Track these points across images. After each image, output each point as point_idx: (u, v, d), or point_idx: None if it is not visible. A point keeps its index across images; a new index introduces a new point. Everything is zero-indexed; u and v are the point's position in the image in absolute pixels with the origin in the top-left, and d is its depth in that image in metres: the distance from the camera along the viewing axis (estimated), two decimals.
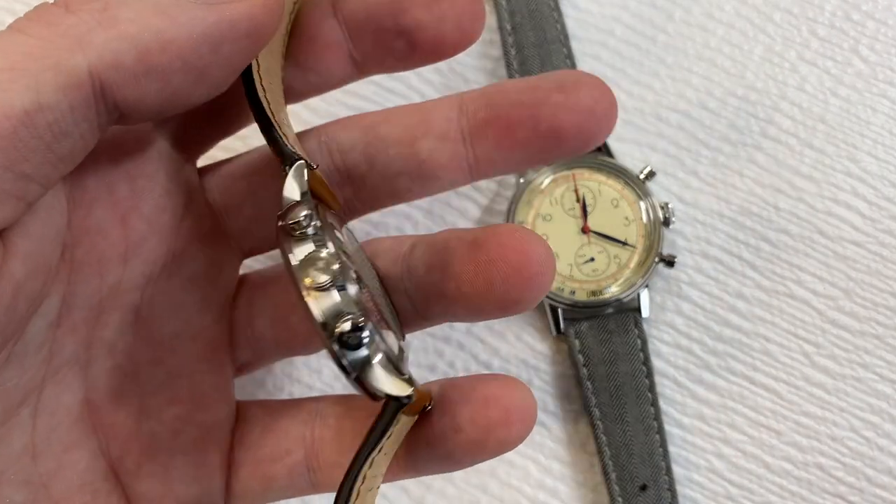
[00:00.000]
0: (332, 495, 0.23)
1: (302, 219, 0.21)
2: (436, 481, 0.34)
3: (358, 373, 0.21)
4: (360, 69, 0.27)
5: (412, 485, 0.34)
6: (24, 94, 0.19)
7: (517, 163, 0.26)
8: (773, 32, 0.38)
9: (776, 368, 0.35)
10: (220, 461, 0.27)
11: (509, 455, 0.34)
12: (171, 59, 0.21)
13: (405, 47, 0.26)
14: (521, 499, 0.34)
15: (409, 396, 0.21)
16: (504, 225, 0.25)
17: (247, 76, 0.24)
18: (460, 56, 0.38)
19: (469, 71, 0.38)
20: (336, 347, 0.20)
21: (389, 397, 0.21)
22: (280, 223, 0.21)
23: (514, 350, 0.35)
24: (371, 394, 0.21)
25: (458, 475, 0.34)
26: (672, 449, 0.34)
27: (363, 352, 0.20)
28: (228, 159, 0.28)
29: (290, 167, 0.23)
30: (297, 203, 0.22)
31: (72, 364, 0.24)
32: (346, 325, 0.20)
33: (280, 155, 0.23)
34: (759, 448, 0.34)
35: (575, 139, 0.25)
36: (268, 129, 0.23)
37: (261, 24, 0.22)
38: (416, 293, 0.26)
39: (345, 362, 0.20)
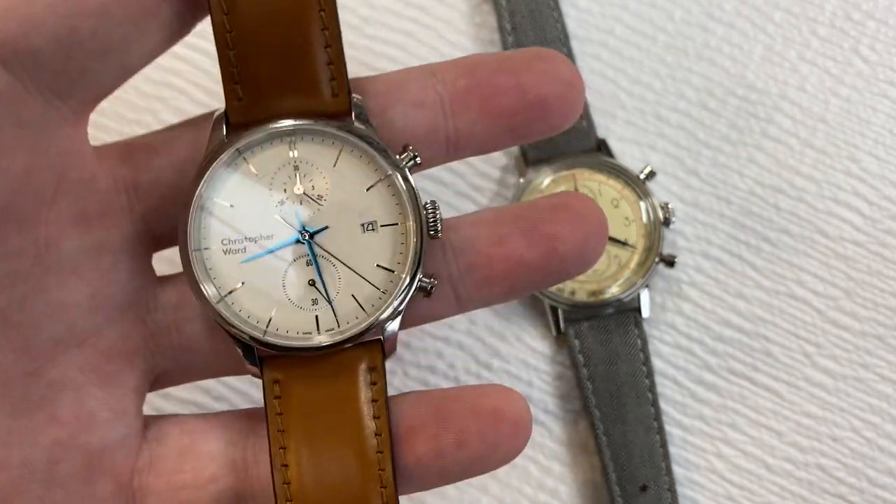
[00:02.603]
0: None
1: None
2: None
3: None
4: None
5: None
6: None
7: (498, 138, 0.24)
8: (773, 32, 0.38)
9: (777, 369, 0.35)
10: (111, 491, 0.23)
11: None
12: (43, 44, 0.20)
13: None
14: (522, 499, 0.34)
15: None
16: (565, 192, 0.25)
17: None
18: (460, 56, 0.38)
19: None
20: None
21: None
22: None
23: (514, 350, 0.35)
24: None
25: None
26: (672, 449, 0.34)
27: None
28: (154, 134, 0.24)
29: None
30: None
31: None
32: None
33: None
34: (759, 448, 0.34)
35: (558, 113, 0.24)
36: None
37: None
38: (469, 274, 0.24)
39: None
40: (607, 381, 0.34)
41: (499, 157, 0.37)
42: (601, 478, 0.34)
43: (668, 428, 0.34)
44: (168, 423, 0.24)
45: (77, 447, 0.22)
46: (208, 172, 0.22)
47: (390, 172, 0.23)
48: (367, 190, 0.23)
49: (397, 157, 0.23)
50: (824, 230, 0.36)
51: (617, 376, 0.34)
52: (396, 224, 0.23)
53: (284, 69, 0.22)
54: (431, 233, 0.23)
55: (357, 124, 0.23)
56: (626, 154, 0.37)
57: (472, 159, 0.37)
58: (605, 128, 0.37)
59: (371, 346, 0.23)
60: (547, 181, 0.35)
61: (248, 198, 0.22)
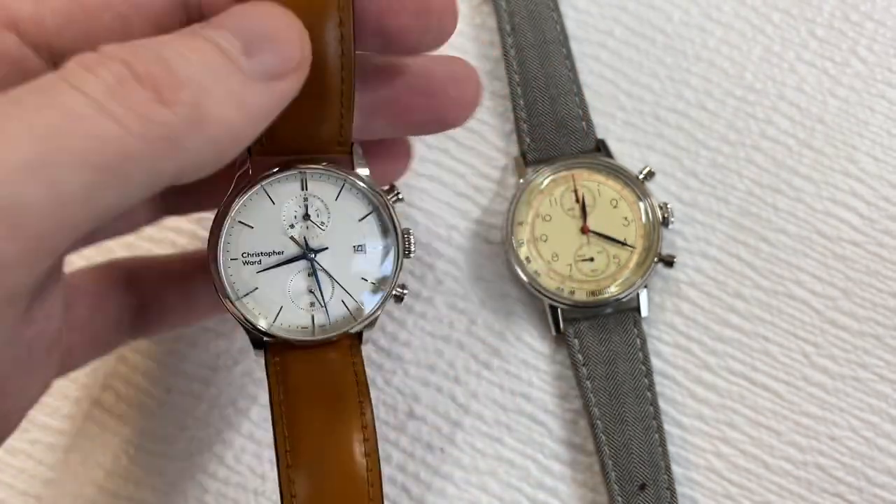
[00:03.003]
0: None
1: None
2: (435, 481, 0.34)
3: None
4: None
5: (412, 485, 0.34)
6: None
7: (393, 134, 0.30)
8: (771, 33, 0.38)
9: (775, 368, 0.35)
10: (59, 353, 0.26)
11: (509, 455, 0.34)
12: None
13: (379, 46, 0.27)
14: (521, 498, 0.34)
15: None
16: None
17: None
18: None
19: None
20: None
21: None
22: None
23: (514, 350, 0.35)
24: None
25: (457, 475, 0.34)
26: (671, 448, 0.34)
27: None
28: None
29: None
30: None
31: None
32: None
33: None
34: (758, 448, 0.34)
35: (451, 125, 0.29)
36: None
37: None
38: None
39: None
40: (606, 381, 0.34)
41: (499, 158, 0.37)
42: (600, 477, 0.34)
43: (667, 427, 0.34)
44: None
45: (46, 332, 0.25)
46: (237, 200, 0.27)
47: (379, 207, 0.28)
48: (360, 220, 0.28)
49: (385, 195, 0.28)
50: (822, 230, 0.36)
51: (616, 376, 0.34)
52: (380, 247, 0.28)
53: (304, 125, 0.27)
54: (406, 253, 0.28)
55: (356, 162, 0.28)
56: (625, 154, 0.37)
57: (472, 160, 0.37)
58: (605, 128, 0.37)
59: (353, 335, 0.29)
60: (546, 181, 0.35)
61: (266, 221, 0.27)
